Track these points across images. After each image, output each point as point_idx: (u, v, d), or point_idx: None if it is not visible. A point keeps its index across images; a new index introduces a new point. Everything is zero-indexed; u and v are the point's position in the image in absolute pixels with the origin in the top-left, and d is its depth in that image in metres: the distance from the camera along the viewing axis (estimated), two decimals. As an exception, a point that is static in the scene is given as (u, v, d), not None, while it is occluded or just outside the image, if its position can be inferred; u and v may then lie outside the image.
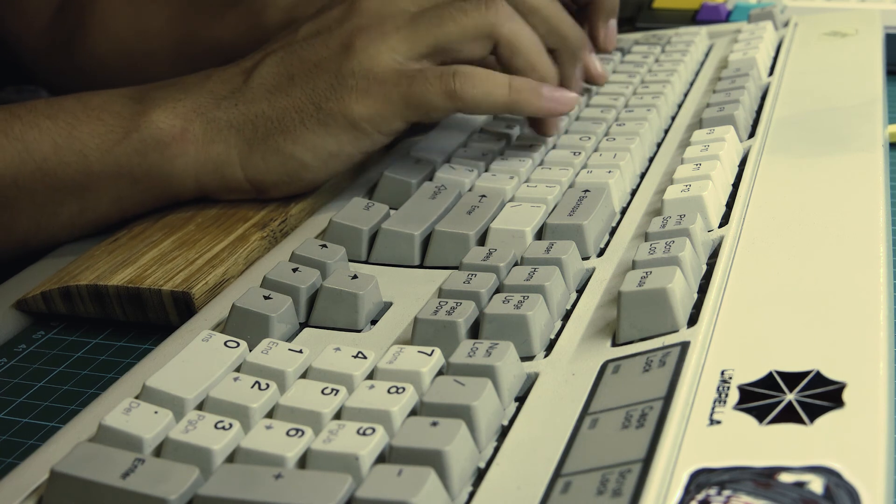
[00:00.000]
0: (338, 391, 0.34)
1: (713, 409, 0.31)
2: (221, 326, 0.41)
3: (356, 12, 0.52)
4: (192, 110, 0.51)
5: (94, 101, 0.51)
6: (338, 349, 0.36)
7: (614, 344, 0.37)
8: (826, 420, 0.30)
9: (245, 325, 0.39)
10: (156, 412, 0.33)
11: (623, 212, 0.49)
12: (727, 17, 0.83)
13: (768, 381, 0.32)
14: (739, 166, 0.50)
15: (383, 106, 0.50)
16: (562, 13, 0.56)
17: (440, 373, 0.36)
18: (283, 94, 0.51)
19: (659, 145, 0.57)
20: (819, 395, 0.31)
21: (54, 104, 0.51)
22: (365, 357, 0.36)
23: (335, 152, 0.51)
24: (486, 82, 0.50)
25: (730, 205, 0.46)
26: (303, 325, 0.41)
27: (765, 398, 0.31)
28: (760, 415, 0.31)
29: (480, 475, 0.31)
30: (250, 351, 0.37)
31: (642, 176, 0.53)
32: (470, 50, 0.51)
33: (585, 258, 0.44)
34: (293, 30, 0.54)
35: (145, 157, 0.50)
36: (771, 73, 0.64)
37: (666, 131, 0.59)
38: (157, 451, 0.32)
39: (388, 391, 0.33)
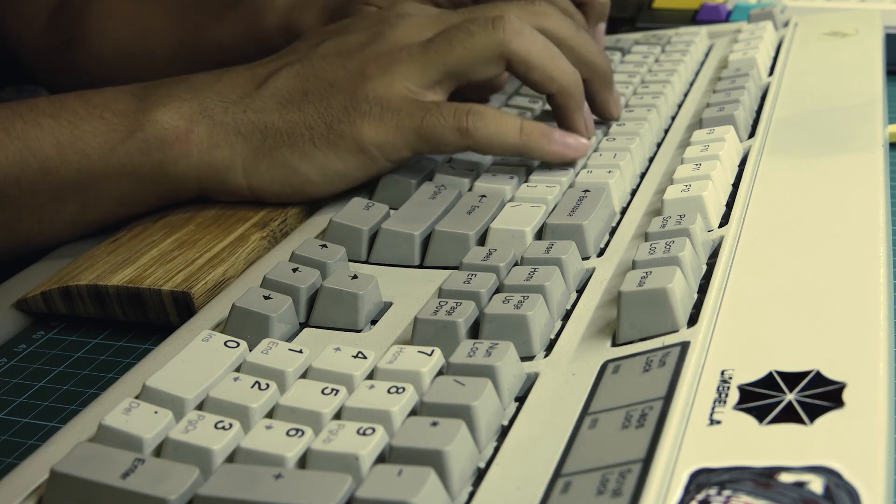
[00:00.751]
0: (338, 391, 0.34)
1: (713, 409, 0.31)
2: (221, 326, 0.41)
3: (380, 40, 0.52)
4: (197, 111, 0.51)
5: (95, 99, 0.51)
6: (338, 349, 0.36)
7: (614, 344, 0.37)
8: (826, 420, 0.30)
9: (245, 325, 0.39)
10: (156, 412, 0.33)
11: (623, 212, 0.49)
12: (727, 17, 0.83)
13: (768, 381, 0.32)
14: (739, 166, 0.50)
15: (394, 135, 0.50)
16: (588, 42, 0.54)
17: (440, 373, 0.36)
18: (295, 109, 0.50)
19: (659, 145, 0.57)
20: (819, 395, 0.31)
21: (56, 102, 0.51)
22: (365, 357, 0.36)
23: (342, 173, 0.51)
24: (498, 123, 0.50)
25: (730, 205, 0.46)
26: (303, 325, 0.41)
27: (765, 398, 0.31)
28: (760, 415, 0.31)
29: (480, 475, 0.31)
30: (250, 351, 0.37)
31: (642, 176, 0.53)
32: (483, 71, 0.51)
33: (585, 258, 0.44)
34: (314, 43, 0.54)
35: (149, 157, 0.50)
36: (771, 73, 0.64)
37: (666, 131, 0.59)
38: (157, 452, 0.32)
39: (388, 391, 0.33)
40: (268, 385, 0.34)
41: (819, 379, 0.32)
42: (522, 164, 0.52)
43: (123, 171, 0.50)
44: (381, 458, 0.31)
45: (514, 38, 0.50)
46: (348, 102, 0.50)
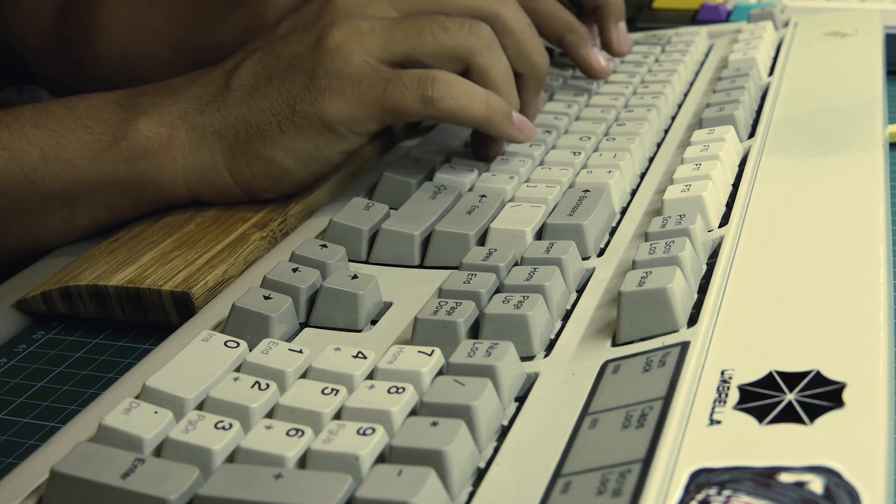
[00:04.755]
0: (338, 391, 0.34)
1: (713, 409, 0.31)
2: (221, 326, 0.41)
3: (331, 9, 0.52)
4: (177, 117, 0.51)
5: (80, 108, 0.51)
6: (338, 349, 0.36)
7: (614, 344, 0.37)
8: (826, 420, 0.30)
9: (245, 325, 0.39)
10: (156, 412, 0.33)
11: (623, 212, 0.49)
12: (727, 17, 0.83)
13: (768, 381, 0.32)
14: (739, 166, 0.50)
15: (357, 108, 0.49)
16: (535, 40, 0.55)
17: (440, 373, 0.36)
18: (262, 96, 0.50)
19: (659, 145, 0.57)
20: (819, 395, 0.31)
21: (41, 111, 0.50)
22: (365, 357, 0.36)
23: (314, 155, 0.51)
24: (464, 95, 0.49)
25: (730, 205, 0.46)
26: (303, 325, 0.41)
27: (765, 398, 0.31)
28: (760, 415, 0.31)
29: (480, 475, 0.31)
30: (250, 351, 0.37)
31: (642, 176, 0.53)
32: (441, 66, 0.51)
33: (585, 258, 0.44)
34: (272, 27, 0.54)
35: (134, 166, 0.50)
36: (771, 73, 0.64)
37: (666, 131, 0.59)
38: (158, 452, 0.32)
39: (388, 391, 0.33)
40: (268, 385, 0.34)
41: (819, 379, 0.32)
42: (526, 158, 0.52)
43: (109, 180, 0.50)
44: (381, 458, 0.31)
45: (484, 51, 0.51)
46: (308, 80, 0.49)
